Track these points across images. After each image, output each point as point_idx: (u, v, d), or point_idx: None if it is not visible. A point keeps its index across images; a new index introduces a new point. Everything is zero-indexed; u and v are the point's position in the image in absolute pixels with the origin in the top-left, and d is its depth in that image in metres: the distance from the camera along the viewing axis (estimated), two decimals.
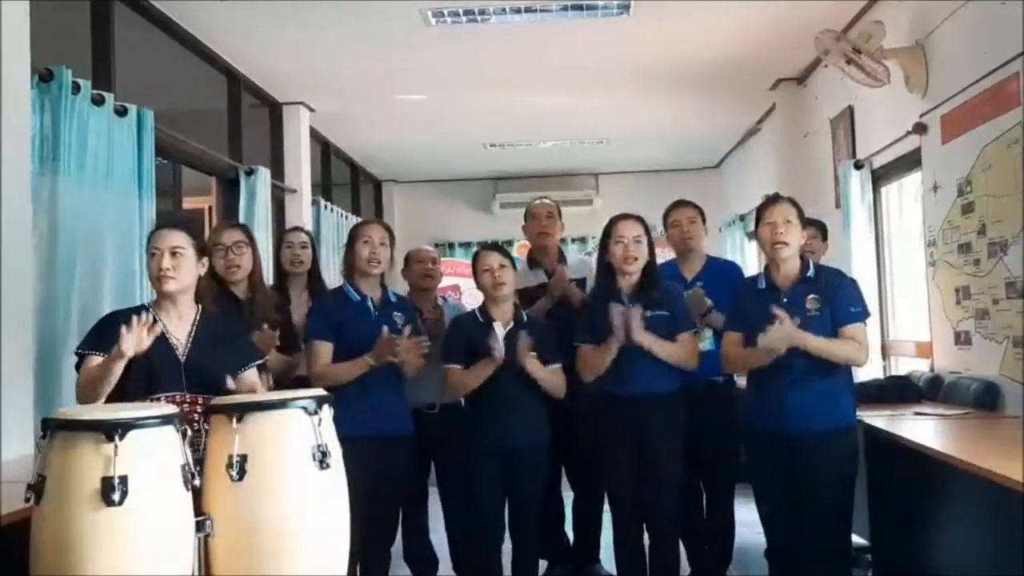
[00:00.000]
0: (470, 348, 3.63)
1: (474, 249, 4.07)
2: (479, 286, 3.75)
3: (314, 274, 4.15)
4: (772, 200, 3.52)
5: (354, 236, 3.66)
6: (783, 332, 3.20)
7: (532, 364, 3.56)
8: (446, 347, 3.71)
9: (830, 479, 3.31)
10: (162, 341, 2.70)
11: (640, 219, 3.71)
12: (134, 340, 2.53)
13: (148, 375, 2.64)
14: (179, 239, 2.77)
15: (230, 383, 2.67)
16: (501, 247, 3.80)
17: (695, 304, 3.84)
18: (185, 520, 2.23)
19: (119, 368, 2.55)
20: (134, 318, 2.57)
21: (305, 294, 4.06)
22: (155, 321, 2.62)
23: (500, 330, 3.63)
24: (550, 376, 3.65)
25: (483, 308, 3.74)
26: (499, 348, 3.50)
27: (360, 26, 5.48)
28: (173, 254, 2.74)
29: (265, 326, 3.55)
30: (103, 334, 2.68)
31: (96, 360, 2.65)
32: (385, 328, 3.45)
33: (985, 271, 4.07)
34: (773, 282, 3.45)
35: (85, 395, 2.64)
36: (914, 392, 4.41)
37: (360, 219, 6.97)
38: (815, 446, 3.29)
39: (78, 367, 2.74)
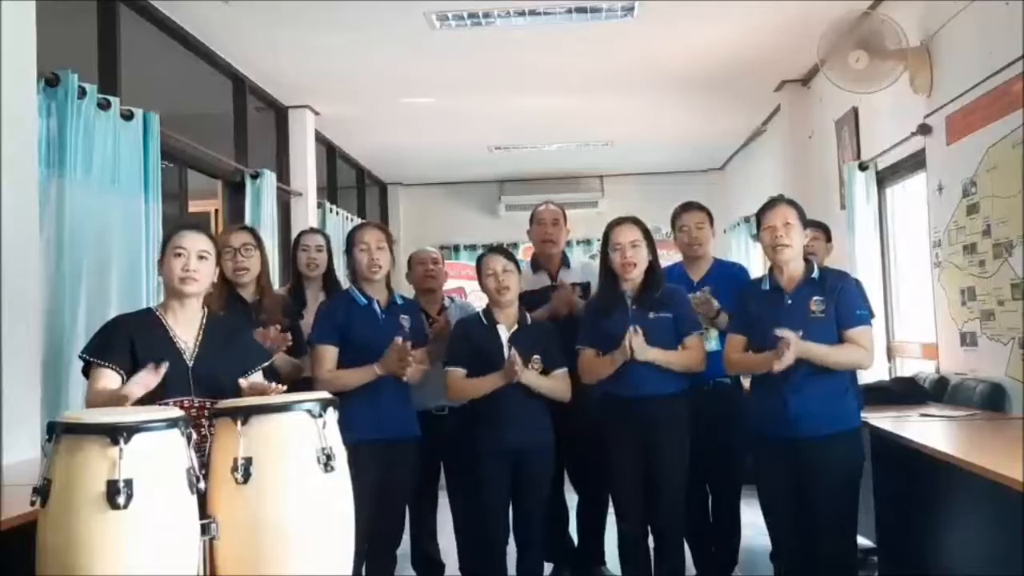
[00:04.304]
0: (474, 352, 3.63)
1: (479, 252, 4.07)
2: (483, 289, 3.75)
3: (330, 276, 4.14)
4: (770, 204, 3.50)
5: (351, 244, 3.63)
6: (790, 353, 3.20)
7: (528, 377, 3.55)
8: (449, 350, 3.71)
9: (834, 482, 3.31)
10: (169, 346, 2.70)
11: (637, 222, 3.70)
12: (142, 388, 2.55)
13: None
14: (206, 244, 2.77)
15: (245, 388, 2.66)
16: (506, 251, 3.78)
17: (703, 307, 3.83)
18: (190, 523, 2.23)
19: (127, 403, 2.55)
20: (148, 368, 2.58)
21: (322, 296, 4.03)
22: (158, 364, 2.61)
23: (504, 333, 3.63)
24: (552, 384, 3.64)
25: (487, 311, 3.74)
26: (517, 369, 3.48)
27: (365, 29, 5.49)
28: (200, 258, 2.74)
29: (278, 327, 3.56)
30: (107, 342, 2.67)
31: (103, 374, 2.63)
32: (399, 339, 3.41)
33: (991, 272, 4.07)
34: (778, 284, 3.45)
35: None
36: (920, 393, 4.40)
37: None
38: (819, 449, 3.29)
39: (84, 371, 2.74)
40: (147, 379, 2.56)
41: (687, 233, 4.12)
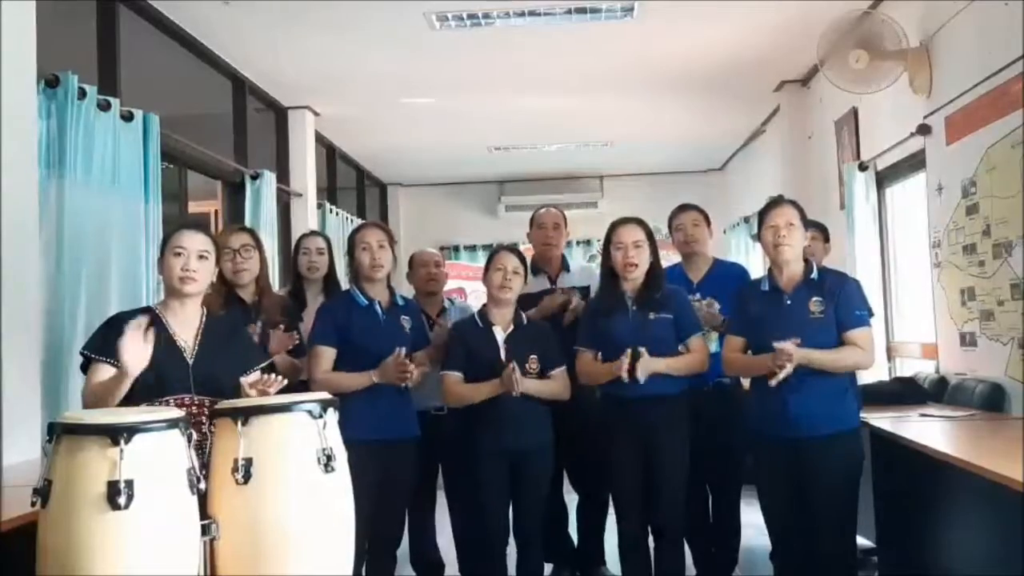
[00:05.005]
0: (470, 354, 3.63)
1: (479, 252, 4.07)
2: (486, 282, 3.72)
3: (331, 279, 4.15)
4: (774, 203, 3.52)
5: (352, 244, 3.63)
6: (789, 368, 3.22)
7: (527, 385, 3.53)
8: (445, 354, 3.70)
9: (834, 482, 3.31)
10: (170, 344, 2.71)
11: (641, 222, 3.70)
12: (136, 356, 2.51)
13: (156, 378, 2.63)
14: (206, 243, 2.78)
15: (245, 384, 2.67)
16: (521, 253, 3.75)
17: (708, 319, 3.84)
18: (190, 523, 2.24)
19: (126, 386, 2.54)
20: (128, 326, 2.54)
21: (322, 298, 4.03)
22: (151, 324, 2.58)
23: (500, 334, 3.63)
24: (551, 386, 3.64)
25: (483, 312, 3.73)
26: (516, 383, 3.45)
27: (365, 30, 5.49)
28: (200, 257, 2.74)
29: (281, 327, 3.56)
30: (109, 338, 2.66)
31: (103, 370, 2.63)
32: (400, 349, 3.41)
33: (990, 272, 4.07)
34: (777, 284, 3.45)
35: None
36: (920, 394, 4.39)
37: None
38: (818, 449, 3.29)
39: (83, 367, 2.74)
40: (135, 347, 2.52)
41: (683, 231, 4.15)
